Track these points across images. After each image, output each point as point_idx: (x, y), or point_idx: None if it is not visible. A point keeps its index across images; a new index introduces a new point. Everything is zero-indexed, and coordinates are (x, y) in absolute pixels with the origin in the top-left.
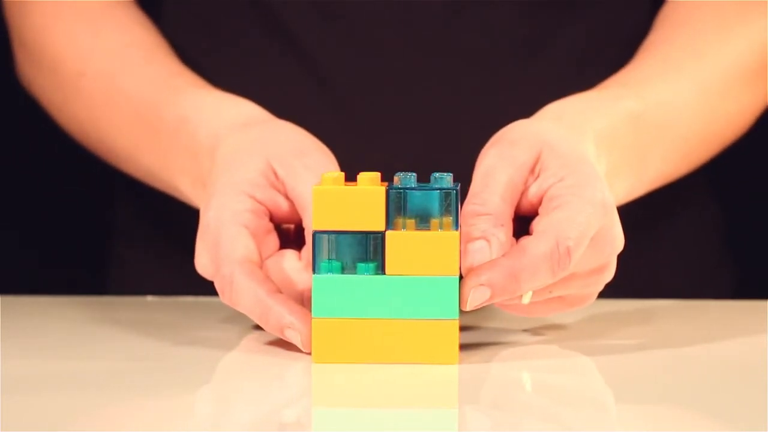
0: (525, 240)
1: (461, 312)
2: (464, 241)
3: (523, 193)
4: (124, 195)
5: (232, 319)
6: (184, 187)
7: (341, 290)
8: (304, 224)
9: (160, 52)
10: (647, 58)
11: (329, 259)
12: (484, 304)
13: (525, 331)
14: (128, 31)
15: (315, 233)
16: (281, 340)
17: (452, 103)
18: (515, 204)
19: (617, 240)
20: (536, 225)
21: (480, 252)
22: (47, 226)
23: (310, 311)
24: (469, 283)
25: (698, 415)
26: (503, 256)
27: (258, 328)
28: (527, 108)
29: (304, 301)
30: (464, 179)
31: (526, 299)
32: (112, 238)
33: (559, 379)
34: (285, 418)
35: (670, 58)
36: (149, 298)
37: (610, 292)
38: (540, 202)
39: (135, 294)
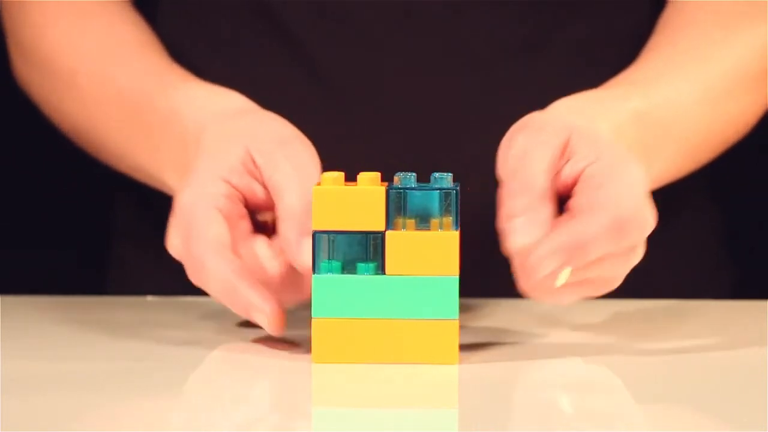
0: (581, 213)
1: (461, 312)
2: (505, 220)
3: (556, 174)
4: (124, 195)
5: (232, 320)
6: (172, 182)
7: (341, 290)
8: (277, 213)
9: (151, 49)
10: (651, 60)
11: (329, 259)
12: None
13: (525, 331)
14: (121, 29)
15: (315, 233)
16: (281, 339)
17: (452, 103)
18: (554, 183)
19: (648, 222)
20: (582, 202)
21: (523, 228)
22: (47, 226)
23: (282, 298)
24: (539, 253)
25: (698, 415)
26: (558, 229)
27: (249, 325)
28: (527, 108)
29: (272, 288)
30: (464, 179)
31: (562, 280)
32: (112, 238)
33: (558, 379)
34: (285, 418)
35: (673, 60)
36: (149, 298)
37: (610, 292)
38: (574, 183)
39: (135, 294)
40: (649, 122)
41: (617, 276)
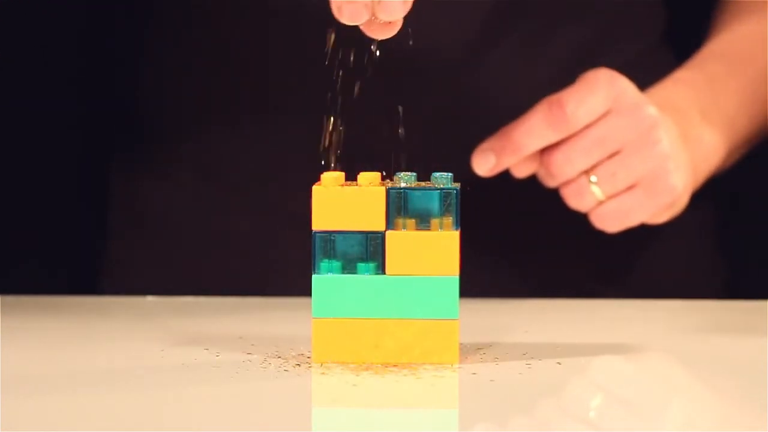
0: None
1: (461, 312)
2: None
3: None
4: (123, 195)
5: (232, 320)
6: None
7: (341, 290)
8: None
9: None
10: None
11: (329, 259)
12: (493, 170)
13: (525, 331)
14: None
15: (315, 233)
16: (280, 339)
17: (452, 102)
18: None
19: (673, 191)
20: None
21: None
22: (47, 226)
23: None
24: (564, 155)
25: (699, 415)
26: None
27: (249, 326)
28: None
29: None
30: (464, 179)
31: (597, 192)
32: (111, 238)
33: (558, 379)
34: (285, 418)
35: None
36: (149, 298)
37: (610, 291)
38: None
39: (135, 294)
40: (711, 62)
41: (654, 173)
